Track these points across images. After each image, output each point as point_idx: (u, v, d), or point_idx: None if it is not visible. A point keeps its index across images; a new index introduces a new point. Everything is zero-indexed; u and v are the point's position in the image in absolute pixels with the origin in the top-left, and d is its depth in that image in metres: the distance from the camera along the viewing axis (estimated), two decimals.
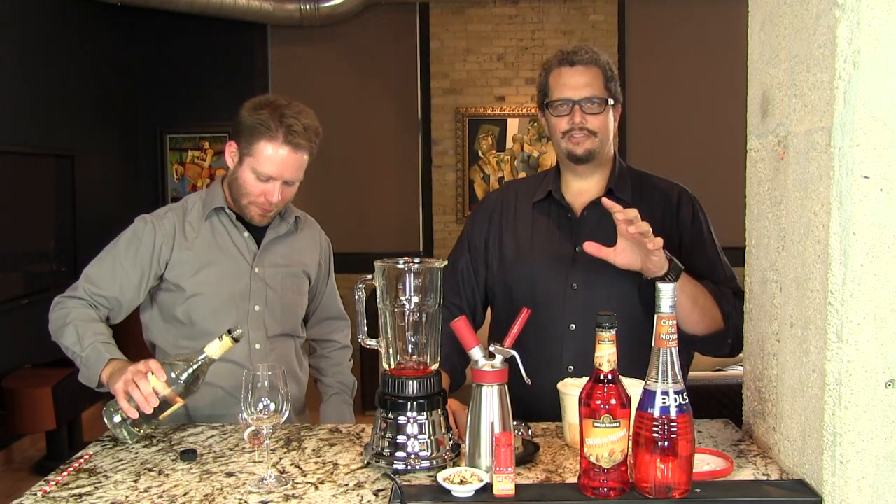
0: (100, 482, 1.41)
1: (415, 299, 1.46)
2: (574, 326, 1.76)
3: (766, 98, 1.48)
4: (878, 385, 1.18)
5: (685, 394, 1.22)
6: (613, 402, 1.21)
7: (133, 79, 6.09)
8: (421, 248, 6.20)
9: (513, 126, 6.11)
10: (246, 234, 1.95)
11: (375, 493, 1.32)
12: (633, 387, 1.28)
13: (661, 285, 1.23)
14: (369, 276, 1.49)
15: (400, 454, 1.41)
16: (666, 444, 1.20)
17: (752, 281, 1.56)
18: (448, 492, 1.26)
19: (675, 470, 1.21)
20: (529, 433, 1.52)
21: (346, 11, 5.92)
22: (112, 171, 5.86)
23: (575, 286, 1.77)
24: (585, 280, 1.77)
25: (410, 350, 1.48)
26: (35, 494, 1.35)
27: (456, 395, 1.71)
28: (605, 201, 1.54)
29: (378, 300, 1.48)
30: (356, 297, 1.54)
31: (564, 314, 1.76)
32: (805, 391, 1.30)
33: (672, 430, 1.20)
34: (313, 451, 1.55)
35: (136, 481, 1.41)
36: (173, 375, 1.59)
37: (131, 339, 2.56)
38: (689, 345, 1.71)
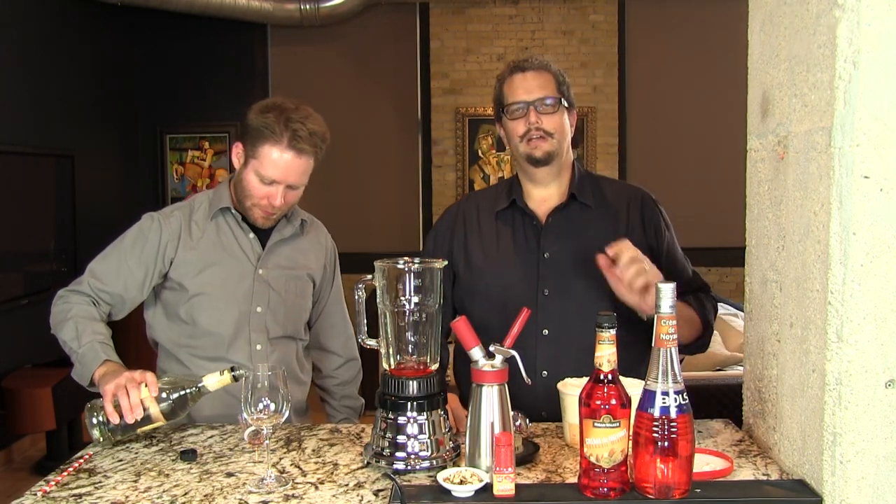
0: (100, 482, 1.41)
1: (415, 299, 1.46)
2: (547, 331, 1.78)
3: (766, 98, 1.48)
4: (878, 385, 1.18)
5: (685, 394, 1.22)
6: (613, 402, 1.21)
7: (133, 79, 6.09)
8: (421, 248, 6.18)
9: None
10: (251, 235, 1.94)
11: (375, 494, 1.32)
12: (633, 387, 1.28)
13: (661, 285, 1.23)
14: (369, 276, 1.50)
15: (400, 454, 1.41)
16: (666, 444, 1.20)
17: (752, 281, 1.56)
18: (448, 492, 1.26)
19: (675, 470, 1.21)
20: (527, 423, 1.51)
21: (346, 11, 5.92)
22: (112, 171, 5.86)
23: (546, 292, 1.79)
24: (556, 286, 1.79)
25: (410, 350, 1.48)
26: (35, 494, 1.35)
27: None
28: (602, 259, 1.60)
29: (378, 300, 1.49)
30: (356, 297, 1.54)
31: (537, 320, 1.76)
32: (805, 391, 1.30)
33: (672, 430, 1.20)
34: (313, 451, 1.55)
35: (136, 481, 1.41)
36: (164, 395, 1.58)
37: (131, 338, 2.56)
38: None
